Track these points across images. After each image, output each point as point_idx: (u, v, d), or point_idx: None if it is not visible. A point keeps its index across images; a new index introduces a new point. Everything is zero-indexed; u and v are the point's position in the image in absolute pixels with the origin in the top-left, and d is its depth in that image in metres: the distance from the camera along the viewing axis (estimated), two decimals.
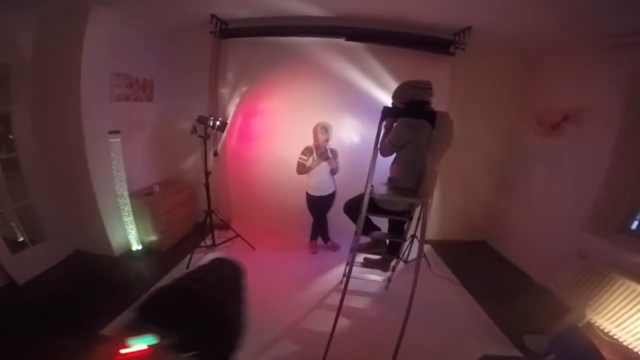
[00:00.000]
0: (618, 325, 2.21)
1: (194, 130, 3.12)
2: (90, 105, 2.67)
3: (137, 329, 0.46)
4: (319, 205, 3.34)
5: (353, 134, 3.68)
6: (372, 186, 2.00)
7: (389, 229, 2.46)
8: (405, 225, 2.37)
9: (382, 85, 3.37)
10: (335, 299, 2.66)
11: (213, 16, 2.93)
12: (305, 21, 2.92)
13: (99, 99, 2.78)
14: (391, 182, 2.11)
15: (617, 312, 2.23)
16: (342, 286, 2.78)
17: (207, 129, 3.04)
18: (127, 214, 3.02)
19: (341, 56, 3.30)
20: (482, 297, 2.76)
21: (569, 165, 2.98)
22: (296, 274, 3.06)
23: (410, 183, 2.00)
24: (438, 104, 2.76)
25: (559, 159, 3.10)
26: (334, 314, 2.40)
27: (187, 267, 2.93)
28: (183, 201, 3.58)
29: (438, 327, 2.37)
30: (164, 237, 3.24)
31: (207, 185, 3.22)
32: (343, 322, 2.25)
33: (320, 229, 3.50)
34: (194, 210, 3.81)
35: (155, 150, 3.60)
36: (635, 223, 2.62)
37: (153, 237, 3.19)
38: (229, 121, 3.48)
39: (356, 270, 2.73)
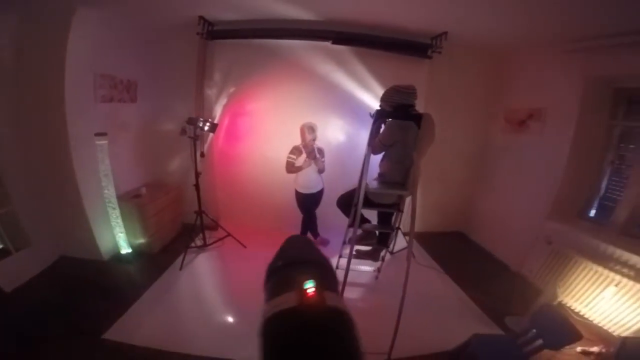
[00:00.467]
0: (586, 305, 2.48)
1: (183, 131, 3.14)
2: (75, 106, 2.61)
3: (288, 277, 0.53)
4: (308, 203, 3.45)
5: (339, 133, 3.83)
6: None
7: (378, 221, 2.63)
8: (393, 217, 2.55)
9: (366, 87, 3.53)
10: None
11: (201, 18, 2.96)
12: (292, 24, 3.03)
13: (84, 100, 2.73)
14: (382, 177, 2.26)
15: (583, 292, 2.50)
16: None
17: (197, 130, 3.06)
18: (115, 217, 2.97)
19: (327, 59, 3.42)
20: (464, 284, 2.99)
21: (534, 160, 3.30)
22: None
23: (399, 177, 2.18)
24: (416, 104, 2.98)
25: (525, 154, 3.41)
26: None
27: (181, 269, 2.94)
28: (171, 202, 3.56)
29: (429, 311, 2.57)
30: (154, 240, 3.21)
31: (197, 186, 3.23)
32: None
33: (309, 225, 3.62)
34: (181, 212, 3.79)
35: (140, 152, 3.55)
36: (593, 211, 2.98)
37: (142, 240, 3.15)
38: (216, 122, 3.51)
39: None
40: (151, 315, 2.31)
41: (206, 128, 3.09)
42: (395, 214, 2.52)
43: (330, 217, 3.67)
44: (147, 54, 3.38)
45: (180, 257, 3.04)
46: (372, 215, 2.59)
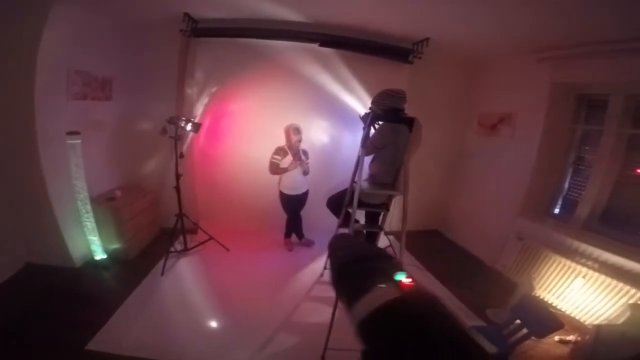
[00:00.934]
0: (557, 296, 2.66)
1: (164, 131, 3.01)
2: (45, 103, 2.43)
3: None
4: (293, 204, 3.44)
5: (323, 135, 3.86)
6: (356, 182, 2.18)
7: (366, 221, 2.69)
8: (381, 217, 2.62)
9: (350, 90, 3.61)
10: (319, 292, 2.82)
11: (186, 15, 2.87)
12: (280, 25, 3.02)
13: (55, 97, 2.56)
14: (372, 178, 2.32)
15: (554, 284, 2.69)
16: (324, 279, 2.97)
17: (179, 130, 2.97)
18: (88, 221, 2.79)
19: (313, 60, 3.45)
20: (444, 280, 3.12)
21: (505, 161, 3.53)
22: (275, 271, 3.12)
23: (389, 179, 2.25)
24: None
25: (497, 156, 3.64)
26: (321, 305, 2.57)
27: (162, 274, 2.81)
28: (148, 206, 3.40)
29: None
30: (131, 244, 3.05)
31: (177, 188, 3.12)
32: (330, 311, 2.39)
33: (294, 226, 3.61)
34: (159, 215, 3.64)
35: (116, 152, 3.37)
36: (557, 208, 3.23)
37: (118, 245, 2.98)
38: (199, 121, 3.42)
39: None
40: (136, 323, 2.19)
41: (189, 128, 3.01)
42: (382, 213, 2.59)
43: (315, 218, 3.72)
44: (125, 50, 3.22)
45: (161, 262, 2.92)
46: (359, 215, 2.64)
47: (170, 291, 2.63)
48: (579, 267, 2.53)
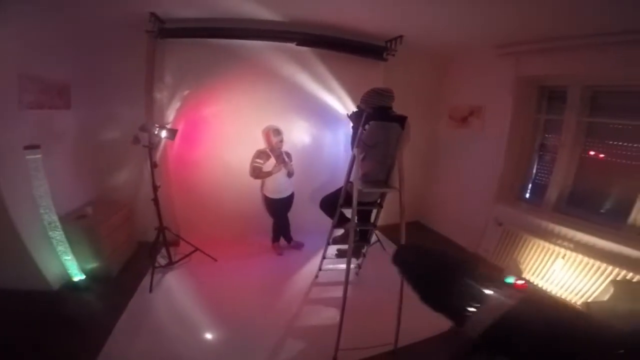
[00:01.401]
0: (542, 277, 2.86)
1: (136, 139, 2.81)
2: None
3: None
4: (279, 207, 3.37)
5: (304, 135, 3.81)
6: (350, 182, 2.18)
7: (359, 219, 2.69)
8: (373, 214, 2.65)
9: (329, 89, 3.60)
10: (316, 293, 2.81)
11: (152, 14, 2.68)
12: (256, 25, 2.93)
13: (6, 105, 2.27)
14: (365, 176, 2.32)
15: (537, 266, 2.90)
16: (320, 280, 2.95)
17: (152, 138, 2.78)
18: (60, 241, 2.52)
19: (290, 60, 3.39)
20: None
21: (479, 151, 3.73)
22: (268, 277, 3.05)
23: (382, 176, 2.28)
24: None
25: (470, 147, 3.84)
26: (321, 307, 2.57)
27: (151, 291, 2.63)
28: (123, 220, 3.15)
29: (414, 298, 2.71)
30: (110, 262, 2.81)
31: (156, 200, 2.93)
32: (332, 312, 2.40)
33: (282, 230, 3.54)
34: (135, 229, 3.39)
35: (82, 166, 3.08)
36: (528, 193, 3.49)
37: (96, 264, 2.74)
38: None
39: (329, 262, 2.92)
40: (135, 346, 2.04)
41: (163, 135, 2.83)
42: (374, 211, 2.62)
43: (301, 220, 3.69)
44: (84, 53, 2.94)
45: (147, 279, 2.73)
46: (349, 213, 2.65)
47: (163, 308, 2.48)
48: (557, 248, 2.75)
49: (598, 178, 2.85)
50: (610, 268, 2.38)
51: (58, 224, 2.51)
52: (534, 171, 3.43)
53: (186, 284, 2.85)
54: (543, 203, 3.19)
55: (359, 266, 3.02)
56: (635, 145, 2.59)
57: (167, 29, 2.91)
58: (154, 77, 3.18)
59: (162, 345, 2.09)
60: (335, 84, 3.58)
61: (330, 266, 2.97)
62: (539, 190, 3.33)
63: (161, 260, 3.04)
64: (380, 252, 3.51)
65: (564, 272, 2.66)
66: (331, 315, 2.37)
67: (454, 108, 4.03)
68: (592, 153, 2.90)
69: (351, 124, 2.38)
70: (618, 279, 2.28)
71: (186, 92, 3.35)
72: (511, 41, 3.07)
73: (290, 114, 3.65)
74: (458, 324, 0.45)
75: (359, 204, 2.35)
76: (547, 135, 3.32)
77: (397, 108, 3.96)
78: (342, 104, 3.70)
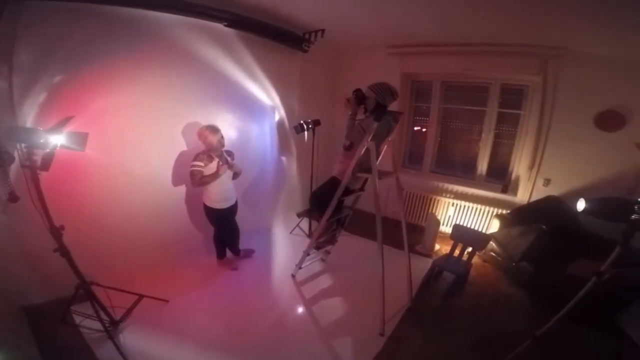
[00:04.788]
0: (447, 225, 3.94)
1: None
2: None
3: None
4: (227, 217, 2.91)
5: (229, 129, 3.28)
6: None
7: (337, 206, 2.81)
8: (353, 199, 2.86)
9: (254, 78, 3.29)
10: (310, 290, 2.78)
11: None
12: None
13: None
14: (360, 165, 2.45)
15: (440, 217, 3.95)
16: (300, 277, 2.89)
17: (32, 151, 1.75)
18: None
19: (213, 43, 2.81)
20: (373, 237, 3.75)
21: None
22: (241, 298, 2.66)
23: (367, 164, 2.49)
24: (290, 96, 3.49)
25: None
26: (327, 300, 2.62)
27: None
28: None
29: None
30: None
31: (64, 250, 1.89)
32: (338, 300, 2.62)
33: (230, 242, 3.08)
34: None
35: None
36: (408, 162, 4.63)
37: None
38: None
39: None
40: None
41: (59, 143, 1.82)
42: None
43: (242, 224, 3.31)
44: None
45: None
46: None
47: None
48: (445, 199, 3.93)
49: (454, 145, 4.22)
50: (485, 207, 3.72)
51: None
52: (410, 144, 4.58)
53: (154, 340, 2.09)
54: (422, 167, 4.38)
55: (327, 252, 3.16)
56: (473, 124, 4.00)
57: None
58: None
59: None
60: (259, 73, 3.31)
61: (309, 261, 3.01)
62: (415, 158, 4.50)
63: (94, 324, 2.02)
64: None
65: (459, 217, 3.88)
66: (339, 302, 2.58)
67: (348, 97, 4.59)
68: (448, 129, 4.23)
69: (349, 112, 2.42)
70: (496, 214, 3.58)
71: (56, 79, 2.18)
72: (398, 43, 3.86)
73: (212, 105, 3.07)
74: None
75: (348, 191, 2.52)
76: (416, 118, 4.49)
77: (311, 96, 4.17)
78: (266, 94, 3.48)
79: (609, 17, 2.18)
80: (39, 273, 2.28)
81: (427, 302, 2.73)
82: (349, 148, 2.54)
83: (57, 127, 1.83)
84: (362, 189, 2.77)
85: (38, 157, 1.80)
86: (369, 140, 2.23)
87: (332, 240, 2.99)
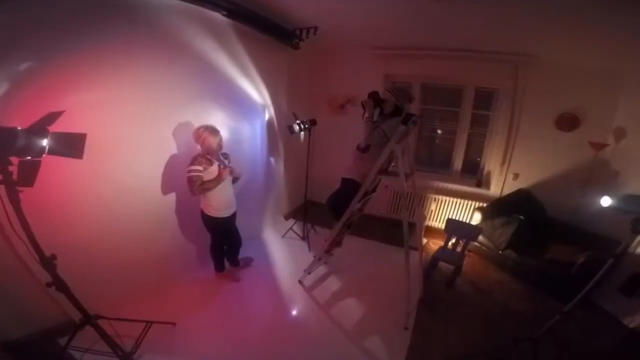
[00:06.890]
0: (434, 219, 4.16)
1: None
2: None
3: None
4: (229, 226, 2.68)
5: (221, 128, 2.97)
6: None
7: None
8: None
9: (246, 74, 3.05)
10: (318, 297, 2.72)
11: None
12: None
13: None
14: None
15: (426, 211, 4.15)
16: (307, 282, 2.81)
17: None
18: None
19: (207, 34, 2.52)
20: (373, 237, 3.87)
21: (354, 134, 4.52)
22: (252, 311, 2.51)
23: (386, 164, 2.52)
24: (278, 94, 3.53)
25: (347, 130, 4.56)
26: (343, 302, 2.64)
27: None
28: None
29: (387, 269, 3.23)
30: None
31: (60, 284, 1.55)
32: (352, 301, 2.64)
33: (229, 252, 2.83)
34: None
35: None
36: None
37: None
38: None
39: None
40: None
41: (44, 145, 1.48)
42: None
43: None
44: None
45: None
46: None
47: None
48: (427, 194, 4.13)
49: (431, 144, 4.47)
50: (463, 201, 4.00)
51: None
52: None
53: None
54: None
55: (331, 255, 3.11)
56: (448, 122, 4.28)
57: None
58: None
59: None
60: (251, 69, 3.08)
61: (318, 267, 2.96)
62: None
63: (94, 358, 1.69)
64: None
65: (442, 211, 4.12)
66: (355, 303, 2.61)
67: (331, 96, 4.56)
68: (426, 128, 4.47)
69: (366, 115, 2.37)
70: (478, 207, 3.87)
71: (23, 66, 1.75)
72: (383, 45, 3.93)
73: (203, 101, 2.76)
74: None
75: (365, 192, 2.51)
76: None
77: (298, 93, 4.03)
78: (257, 92, 3.26)
79: (581, 28, 2.46)
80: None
81: (433, 292, 2.86)
82: (365, 150, 2.51)
83: (41, 126, 1.47)
84: (374, 190, 2.77)
85: (14, 168, 1.44)
86: (395, 143, 2.22)
87: (338, 243, 2.95)
